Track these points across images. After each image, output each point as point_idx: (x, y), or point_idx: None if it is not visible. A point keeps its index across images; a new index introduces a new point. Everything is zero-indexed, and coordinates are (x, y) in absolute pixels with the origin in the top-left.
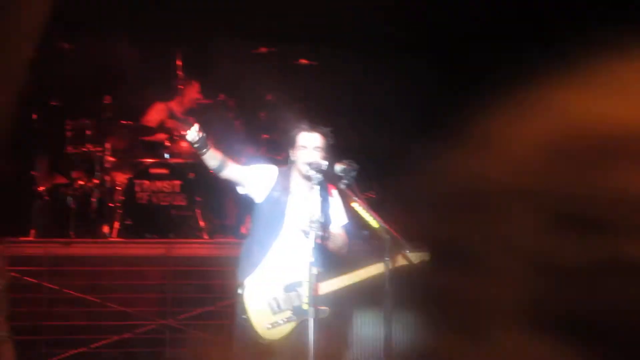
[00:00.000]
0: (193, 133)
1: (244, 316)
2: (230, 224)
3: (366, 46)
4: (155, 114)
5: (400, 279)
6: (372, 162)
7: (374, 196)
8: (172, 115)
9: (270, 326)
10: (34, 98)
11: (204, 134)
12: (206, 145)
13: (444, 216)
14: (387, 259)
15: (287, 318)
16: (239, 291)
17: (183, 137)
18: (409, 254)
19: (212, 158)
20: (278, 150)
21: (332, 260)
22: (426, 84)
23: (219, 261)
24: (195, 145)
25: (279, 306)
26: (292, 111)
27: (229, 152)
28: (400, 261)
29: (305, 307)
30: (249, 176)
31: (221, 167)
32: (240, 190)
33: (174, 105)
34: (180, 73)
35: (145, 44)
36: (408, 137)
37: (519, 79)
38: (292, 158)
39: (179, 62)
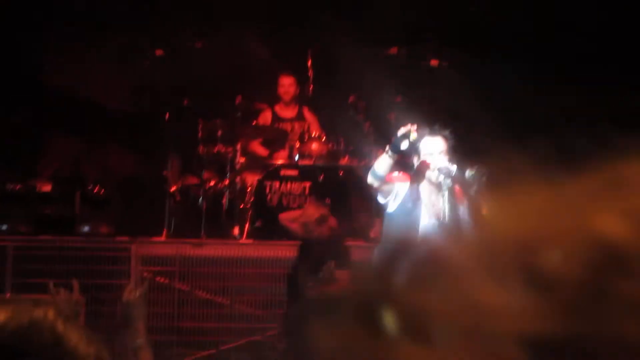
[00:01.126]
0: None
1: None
2: (360, 227)
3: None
4: (262, 121)
5: None
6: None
7: None
8: (277, 118)
9: None
10: (166, 98)
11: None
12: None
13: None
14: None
15: None
16: None
17: (313, 139)
18: None
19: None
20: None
21: None
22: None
23: (349, 264)
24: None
25: None
26: (421, 113)
27: (360, 154)
28: None
29: None
30: (393, 186)
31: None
32: (382, 199)
33: (278, 109)
34: (310, 73)
35: (278, 43)
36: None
37: None
38: (417, 163)
39: (309, 62)
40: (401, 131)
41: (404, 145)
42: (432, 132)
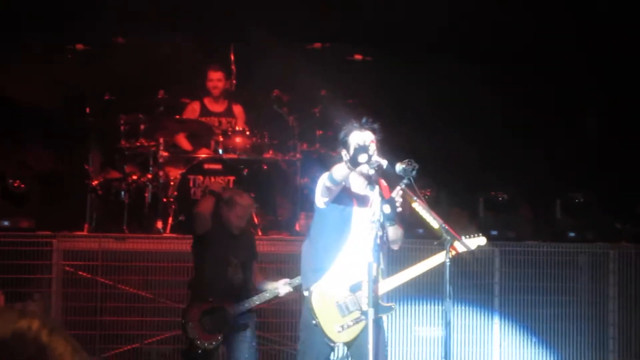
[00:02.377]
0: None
1: (314, 321)
2: (284, 221)
3: (419, 43)
4: (190, 114)
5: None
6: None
7: (429, 194)
8: (206, 112)
9: (340, 329)
10: (88, 92)
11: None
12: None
13: None
14: (445, 251)
15: (356, 319)
16: (306, 295)
17: (237, 132)
18: (467, 241)
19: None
20: (332, 146)
21: (392, 256)
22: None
23: (273, 258)
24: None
25: (347, 308)
26: (345, 108)
27: (284, 147)
28: (459, 248)
29: (365, 307)
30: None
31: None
32: (323, 203)
33: (207, 103)
34: (233, 67)
35: (198, 38)
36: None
37: None
38: (344, 158)
39: (232, 57)
40: (359, 144)
41: (363, 159)
42: (361, 126)
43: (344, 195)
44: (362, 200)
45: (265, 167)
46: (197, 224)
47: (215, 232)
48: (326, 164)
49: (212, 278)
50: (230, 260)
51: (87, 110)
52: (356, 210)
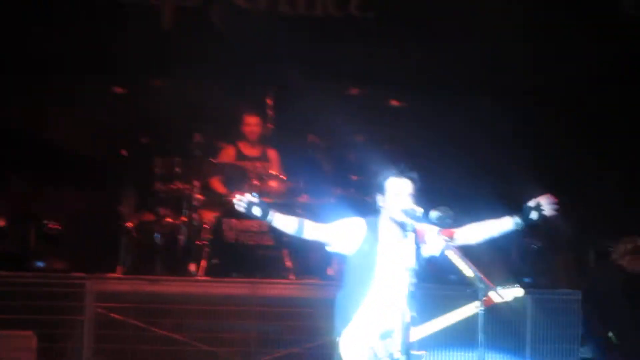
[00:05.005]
0: (243, 204)
1: None
2: (317, 265)
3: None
4: (225, 157)
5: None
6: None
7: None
8: (241, 156)
9: None
10: (123, 134)
11: (259, 201)
12: (267, 212)
13: None
14: (480, 301)
15: None
16: (337, 339)
17: (272, 177)
18: (503, 291)
19: (283, 224)
20: (368, 192)
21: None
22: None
23: (305, 302)
24: (254, 215)
25: (375, 355)
26: (382, 153)
27: (318, 193)
28: (495, 299)
29: (397, 355)
30: (337, 233)
31: (300, 229)
32: (329, 248)
33: (242, 147)
34: (270, 112)
35: (236, 83)
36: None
37: None
38: (380, 204)
39: (269, 102)
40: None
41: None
42: (399, 174)
43: (369, 242)
44: (388, 245)
45: (299, 211)
46: None
47: None
48: (361, 209)
49: None
50: None
51: (123, 152)
52: (383, 256)
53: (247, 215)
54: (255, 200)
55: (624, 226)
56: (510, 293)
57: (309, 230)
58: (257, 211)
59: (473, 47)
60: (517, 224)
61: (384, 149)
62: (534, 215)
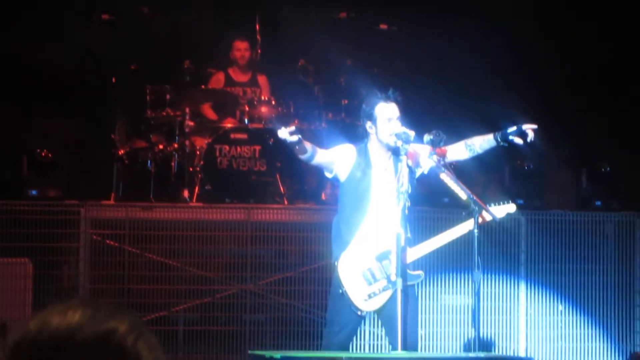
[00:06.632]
0: (285, 133)
1: (340, 290)
2: (311, 190)
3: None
4: (215, 84)
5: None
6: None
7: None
8: (230, 82)
9: (367, 297)
10: (114, 63)
11: (298, 132)
12: (300, 141)
13: None
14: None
15: (382, 288)
16: (335, 263)
17: (262, 102)
18: (495, 209)
19: (303, 151)
20: (358, 117)
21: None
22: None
23: (299, 227)
24: (290, 143)
25: (373, 277)
26: (372, 77)
27: (310, 117)
28: (487, 217)
29: (393, 277)
30: (334, 160)
31: (312, 156)
32: (328, 174)
33: (232, 72)
34: (258, 37)
35: (225, 8)
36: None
37: None
38: (370, 131)
39: (257, 26)
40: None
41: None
42: (386, 99)
43: (360, 168)
44: (379, 169)
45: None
46: None
47: None
48: (352, 134)
49: None
50: None
51: (113, 80)
52: (376, 180)
53: (288, 143)
54: (293, 128)
55: (620, 145)
56: (503, 210)
57: (319, 156)
58: (295, 138)
59: None
60: (497, 141)
61: (373, 73)
62: (513, 137)
